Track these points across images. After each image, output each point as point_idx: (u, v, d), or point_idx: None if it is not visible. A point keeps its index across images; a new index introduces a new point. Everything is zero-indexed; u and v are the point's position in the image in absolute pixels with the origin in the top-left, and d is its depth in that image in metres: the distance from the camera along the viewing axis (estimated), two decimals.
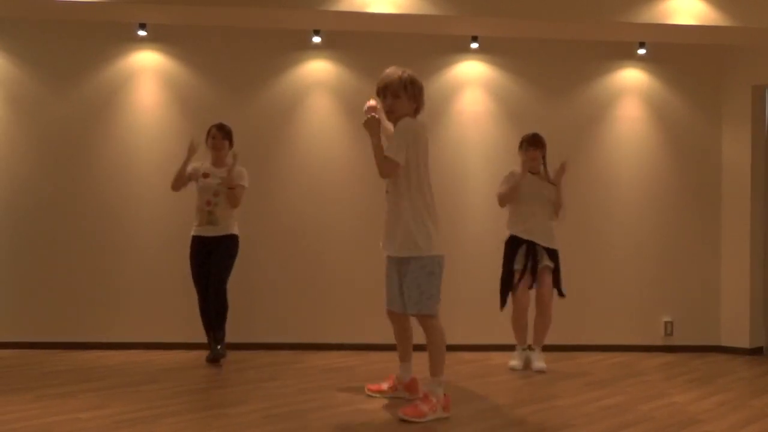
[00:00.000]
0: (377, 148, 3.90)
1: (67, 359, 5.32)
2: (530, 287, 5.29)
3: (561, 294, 5.35)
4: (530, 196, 5.28)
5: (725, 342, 6.20)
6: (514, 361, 5.28)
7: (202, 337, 5.38)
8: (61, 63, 5.90)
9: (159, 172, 5.90)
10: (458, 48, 6.08)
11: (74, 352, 5.60)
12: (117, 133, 5.94)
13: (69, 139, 5.90)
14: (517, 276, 5.26)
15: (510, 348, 5.40)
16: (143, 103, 5.96)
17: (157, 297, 5.87)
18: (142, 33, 5.78)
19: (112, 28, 5.83)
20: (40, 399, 4.03)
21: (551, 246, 5.30)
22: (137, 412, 3.76)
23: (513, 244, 5.31)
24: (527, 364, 5.28)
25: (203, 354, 5.35)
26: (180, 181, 5.30)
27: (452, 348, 5.90)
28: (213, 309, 5.28)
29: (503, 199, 5.29)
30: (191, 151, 5.27)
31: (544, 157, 5.35)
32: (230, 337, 5.40)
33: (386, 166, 3.88)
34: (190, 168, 5.31)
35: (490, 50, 6.10)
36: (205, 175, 5.28)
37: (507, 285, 5.28)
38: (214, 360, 5.21)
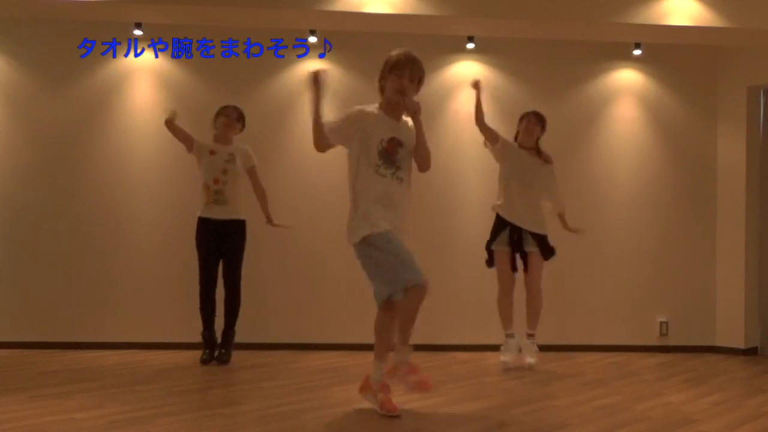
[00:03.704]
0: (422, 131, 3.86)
1: (62, 359, 5.31)
2: (515, 270, 5.30)
3: (547, 258, 5.28)
4: (523, 175, 5.24)
5: (720, 342, 6.22)
6: (505, 356, 5.23)
7: (197, 337, 5.35)
8: (57, 62, 5.90)
9: (155, 172, 5.91)
10: (454, 48, 6.09)
11: (69, 352, 5.60)
12: (113, 133, 5.94)
13: (65, 140, 5.90)
14: (498, 257, 5.26)
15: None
16: (139, 102, 5.95)
17: (152, 297, 5.86)
18: (138, 32, 5.78)
19: (109, 27, 5.82)
20: (35, 399, 4.02)
21: (539, 231, 5.25)
22: (132, 413, 3.75)
23: (499, 222, 5.30)
24: (518, 357, 5.24)
25: (198, 354, 5.33)
26: (176, 132, 5.24)
27: (447, 348, 5.96)
28: (228, 303, 5.30)
29: (482, 127, 5.31)
30: (171, 118, 5.23)
31: (537, 139, 5.35)
32: None
33: (430, 164, 3.92)
34: (196, 140, 5.27)
35: (486, 50, 6.11)
36: (212, 152, 5.25)
37: (489, 259, 5.32)
38: (220, 362, 5.19)
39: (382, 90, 3.89)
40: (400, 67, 3.79)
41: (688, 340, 6.21)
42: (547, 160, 5.31)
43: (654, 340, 6.20)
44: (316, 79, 3.86)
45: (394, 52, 3.85)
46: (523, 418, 3.83)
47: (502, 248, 5.27)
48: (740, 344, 6.13)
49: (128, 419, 3.63)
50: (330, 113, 5.99)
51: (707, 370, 5.38)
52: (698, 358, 5.91)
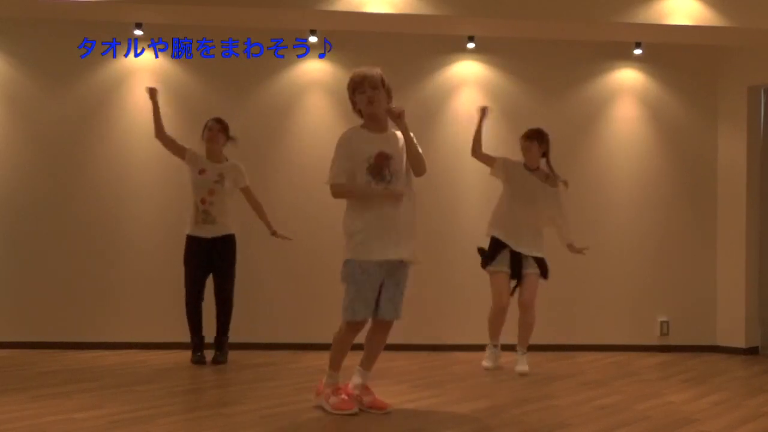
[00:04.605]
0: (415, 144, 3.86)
1: (62, 359, 5.30)
2: (512, 293, 5.15)
3: (545, 277, 5.16)
4: (525, 196, 5.10)
5: (721, 342, 6.21)
6: (487, 362, 5.17)
7: None
8: (57, 62, 5.90)
9: (155, 172, 5.91)
10: (455, 48, 6.08)
11: (69, 352, 5.59)
12: (113, 133, 5.94)
13: (65, 139, 5.90)
14: (494, 279, 5.11)
15: (504, 348, 5.35)
16: (139, 102, 5.93)
17: (152, 297, 5.86)
18: (138, 32, 5.78)
19: (109, 27, 5.82)
20: (35, 399, 4.02)
21: (537, 255, 5.12)
22: (132, 413, 3.75)
23: (495, 244, 5.14)
24: (498, 363, 5.18)
25: None
26: (157, 125, 5.21)
27: (447, 348, 5.96)
28: (220, 314, 5.31)
29: (477, 155, 5.23)
30: (152, 95, 5.21)
31: (545, 154, 5.19)
32: None
33: (425, 167, 3.90)
34: (189, 151, 5.25)
35: (486, 50, 6.11)
36: (202, 172, 5.25)
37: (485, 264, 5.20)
38: (217, 363, 5.21)
39: (359, 113, 3.93)
40: (359, 86, 3.84)
41: (688, 340, 6.21)
42: (552, 182, 5.16)
43: (654, 340, 6.20)
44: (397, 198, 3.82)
45: (350, 77, 3.90)
46: (523, 418, 3.82)
47: (500, 269, 5.12)
48: (741, 344, 6.13)
49: (128, 419, 3.62)
50: (329, 114, 6.04)
51: (708, 370, 5.38)
52: (699, 358, 5.90)
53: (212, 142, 5.27)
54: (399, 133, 3.87)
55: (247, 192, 5.39)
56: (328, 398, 3.88)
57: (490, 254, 5.16)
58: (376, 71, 3.86)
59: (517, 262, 5.11)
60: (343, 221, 3.88)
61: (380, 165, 3.79)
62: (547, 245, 5.27)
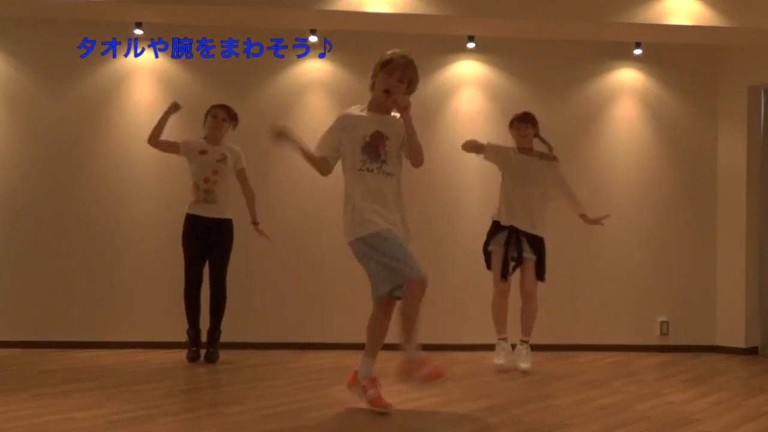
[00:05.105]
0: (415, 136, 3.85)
1: (61, 359, 5.31)
2: (505, 276, 5.17)
3: (541, 279, 5.18)
4: (521, 179, 5.15)
5: (721, 342, 6.22)
6: (499, 359, 5.15)
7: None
8: (57, 62, 5.90)
9: (154, 172, 5.91)
10: (455, 48, 6.09)
11: (69, 351, 5.60)
12: (113, 133, 5.94)
13: (65, 140, 5.90)
14: (494, 259, 5.18)
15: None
16: (139, 102, 5.95)
17: (152, 296, 5.87)
18: (138, 32, 5.78)
19: (109, 27, 5.82)
20: (35, 398, 4.02)
21: (535, 233, 5.14)
22: (132, 412, 3.75)
23: (495, 226, 5.23)
24: (512, 359, 5.16)
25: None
26: (157, 132, 5.20)
27: (447, 348, 5.95)
28: (213, 301, 5.30)
29: (467, 146, 5.25)
30: (172, 108, 5.22)
31: (537, 136, 5.24)
32: (225, 336, 5.40)
33: (423, 159, 3.89)
34: (182, 142, 5.28)
35: (486, 50, 6.11)
36: (203, 152, 5.25)
37: (486, 260, 5.26)
38: (209, 361, 5.21)
39: (372, 87, 3.90)
40: (392, 67, 3.80)
41: (688, 340, 6.21)
42: (548, 158, 5.21)
43: (654, 340, 6.20)
44: (280, 135, 3.84)
45: (390, 51, 3.85)
46: (523, 417, 3.82)
47: (497, 249, 5.20)
48: (741, 344, 6.13)
49: (128, 419, 3.62)
50: (329, 114, 6.03)
51: (707, 370, 5.38)
52: (698, 358, 5.90)
53: (216, 129, 5.29)
54: (398, 116, 3.85)
55: (242, 175, 5.38)
56: (366, 390, 3.84)
57: (488, 234, 5.24)
58: (415, 70, 3.83)
59: (515, 241, 5.13)
60: (344, 206, 3.84)
61: (376, 144, 3.79)
62: (547, 246, 5.26)
